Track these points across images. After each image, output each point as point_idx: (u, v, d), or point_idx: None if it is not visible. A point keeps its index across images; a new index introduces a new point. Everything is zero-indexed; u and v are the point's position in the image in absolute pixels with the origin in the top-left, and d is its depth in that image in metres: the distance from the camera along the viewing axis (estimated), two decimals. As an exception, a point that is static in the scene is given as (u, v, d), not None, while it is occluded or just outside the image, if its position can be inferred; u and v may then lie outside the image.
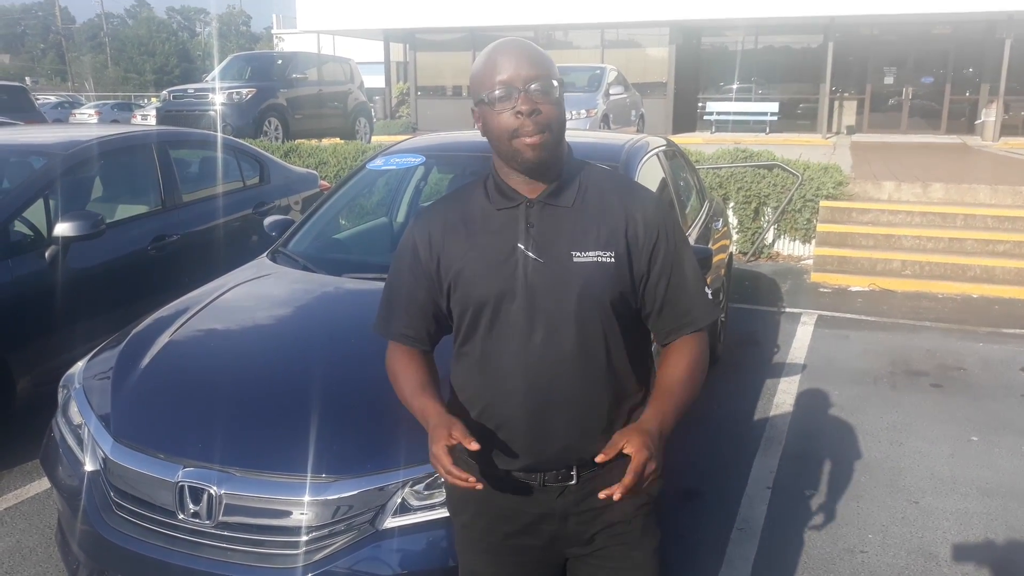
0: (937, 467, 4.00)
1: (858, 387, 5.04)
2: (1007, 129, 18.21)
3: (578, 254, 1.57)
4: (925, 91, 20.58)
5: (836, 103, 20.91)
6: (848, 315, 6.78)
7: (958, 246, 8.11)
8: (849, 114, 21.22)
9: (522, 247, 1.58)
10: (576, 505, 1.65)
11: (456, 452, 1.56)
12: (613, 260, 1.58)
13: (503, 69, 1.52)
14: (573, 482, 1.64)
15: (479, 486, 1.50)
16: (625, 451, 1.45)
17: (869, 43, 20.45)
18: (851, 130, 20.67)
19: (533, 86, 1.51)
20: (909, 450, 4.18)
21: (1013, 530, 3.44)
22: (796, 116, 20.87)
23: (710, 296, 1.69)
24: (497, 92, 1.52)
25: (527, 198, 1.61)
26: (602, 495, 1.44)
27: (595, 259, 1.57)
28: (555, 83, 1.55)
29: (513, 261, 1.58)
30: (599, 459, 1.49)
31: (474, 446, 1.48)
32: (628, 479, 1.43)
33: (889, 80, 20.76)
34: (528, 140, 1.52)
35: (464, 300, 1.62)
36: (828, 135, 19.20)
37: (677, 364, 1.65)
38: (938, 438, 4.33)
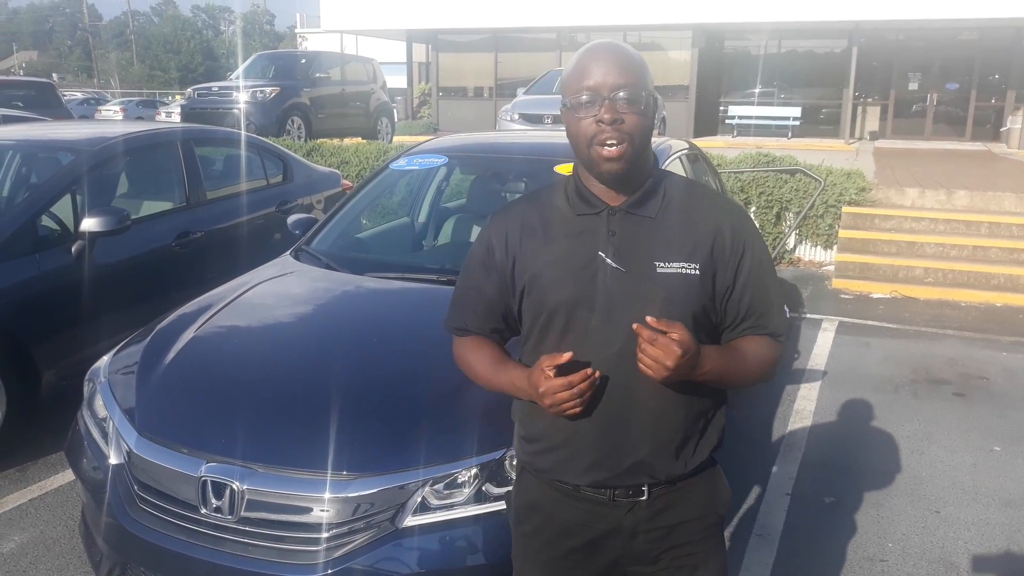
0: (959, 477, 3.96)
1: (879, 395, 5.01)
2: (1033, 136, 17.98)
3: (661, 265, 1.54)
4: (950, 97, 20.37)
5: (859, 108, 20.74)
6: (870, 322, 6.73)
7: (982, 254, 8.03)
8: (872, 120, 21.04)
9: (603, 255, 1.55)
10: (646, 523, 1.62)
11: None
12: (697, 272, 1.55)
13: (592, 75, 1.49)
14: (644, 498, 1.60)
15: (596, 373, 1.48)
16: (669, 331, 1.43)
17: (894, 48, 20.28)
18: (874, 136, 20.50)
19: (620, 94, 1.48)
20: (930, 459, 4.15)
21: (1035, 542, 3.41)
22: (819, 121, 20.71)
23: (788, 314, 1.67)
24: (583, 98, 1.49)
25: (609, 205, 1.58)
26: (634, 326, 1.43)
27: (679, 270, 1.54)
28: (644, 93, 1.51)
29: (592, 268, 1.55)
30: (634, 326, 1.44)
31: (567, 356, 1.47)
32: (645, 331, 1.42)
33: (914, 86, 20.56)
34: (606, 151, 1.49)
35: (538, 305, 1.60)
36: (851, 140, 19.05)
37: (750, 343, 1.62)
38: (960, 447, 4.29)
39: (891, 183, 9.53)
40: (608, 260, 1.55)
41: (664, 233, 1.57)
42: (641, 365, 1.45)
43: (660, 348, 1.42)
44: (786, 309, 1.67)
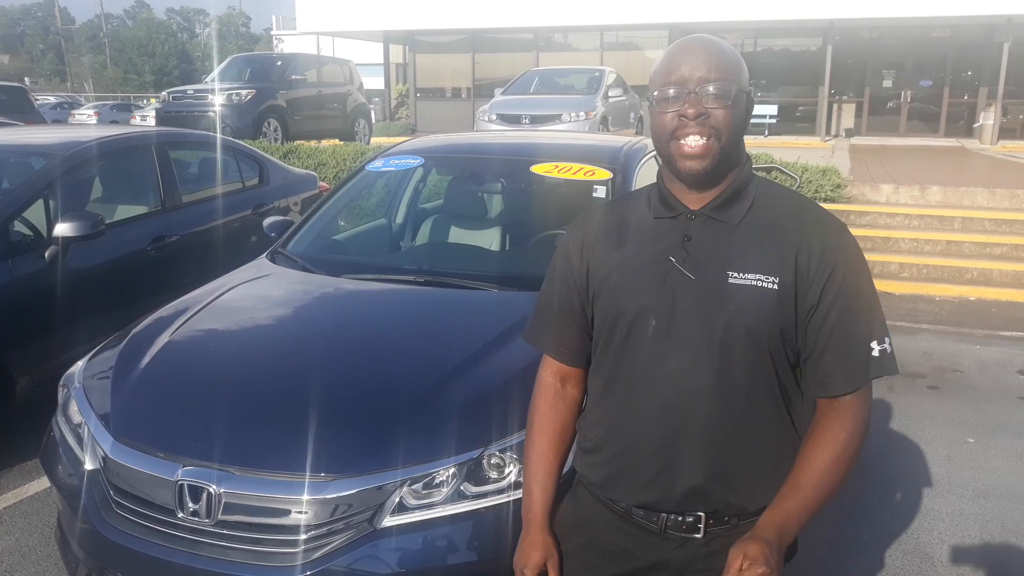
0: (933, 468, 4.02)
1: (855, 389, 5.05)
2: (1005, 132, 18.25)
3: (735, 275, 1.40)
4: (924, 94, 20.63)
5: (835, 106, 20.94)
6: (846, 317, 6.79)
7: (955, 249, 8.14)
8: (848, 117, 21.25)
9: (673, 260, 1.44)
10: (698, 562, 1.49)
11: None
12: (776, 287, 1.39)
13: (679, 68, 1.39)
14: (699, 535, 1.47)
15: None
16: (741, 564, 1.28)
17: (868, 46, 20.50)
18: (850, 133, 20.71)
19: (709, 88, 1.37)
20: (905, 451, 4.20)
21: (1008, 531, 3.46)
22: (795, 119, 20.91)
23: (877, 352, 1.42)
24: (670, 91, 1.40)
25: (689, 209, 1.46)
26: None
27: (754, 283, 1.39)
28: (736, 88, 1.39)
29: (661, 275, 1.44)
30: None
31: None
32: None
33: (888, 83, 20.81)
34: (687, 146, 1.39)
35: (605, 310, 1.50)
36: (827, 138, 19.24)
37: (821, 445, 1.41)
38: (934, 439, 4.35)
39: (866, 179, 9.64)
40: (679, 266, 1.43)
41: (744, 241, 1.43)
42: None
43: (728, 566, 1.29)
44: (878, 345, 1.42)
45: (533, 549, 1.56)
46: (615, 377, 1.50)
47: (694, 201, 1.46)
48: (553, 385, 1.64)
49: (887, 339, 1.44)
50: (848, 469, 1.43)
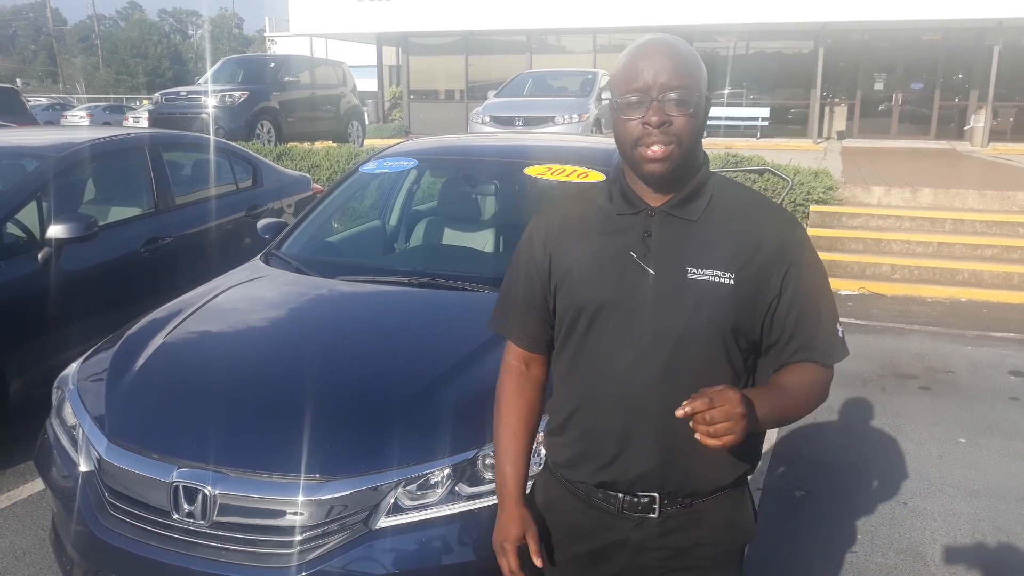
0: (925, 468, 4.04)
1: (847, 390, 5.08)
2: (996, 135, 18.34)
3: (694, 271, 1.45)
4: (915, 97, 20.70)
5: (827, 108, 21.00)
6: (838, 319, 6.82)
7: (947, 250, 8.18)
8: (839, 119, 21.32)
9: (635, 256, 1.48)
10: (654, 540, 1.56)
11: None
12: (732, 282, 1.45)
13: (641, 75, 1.41)
14: (654, 515, 1.54)
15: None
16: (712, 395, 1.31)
17: (860, 49, 20.58)
18: (841, 135, 20.77)
19: (671, 95, 1.40)
20: (898, 452, 4.22)
21: (1000, 530, 3.48)
22: (787, 121, 20.95)
23: (841, 335, 1.54)
24: (632, 99, 1.42)
25: (650, 206, 1.51)
26: (678, 412, 1.30)
27: (712, 278, 1.44)
28: (697, 94, 1.43)
29: (623, 269, 1.49)
30: (678, 412, 1.30)
31: (538, 563, 1.54)
32: (695, 401, 1.29)
33: (879, 86, 20.88)
34: (651, 152, 1.42)
35: (567, 301, 1.55)
36: (819, 140, 19.29)
37: (790, 375, 1.51)
38: (926, 440, 4.37)
39: (858, 182, 9.68)
40: (639, 262, 1.48)
41: (703, 238, 1.48)
42: (714, 439, 1.29)
43: (723, 402, 1.30)
44: (839, 329, 1.53)
45: (511, 523, 1.60)
46: (576, 365, 1.56)
47: (655, 198, 1.51)
48: (518, 367, 1.70)
49: (840, 324, 1.56)
50: (811, 403, 1.53)
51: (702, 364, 1.47)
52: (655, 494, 1.53)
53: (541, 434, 1.73)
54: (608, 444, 1.53)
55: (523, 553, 1.59)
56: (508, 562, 1.57)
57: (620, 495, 1.55)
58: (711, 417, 1.29)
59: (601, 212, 1.57)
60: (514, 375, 1.70)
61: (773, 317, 1.49)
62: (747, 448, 1.52)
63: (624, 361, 1.49)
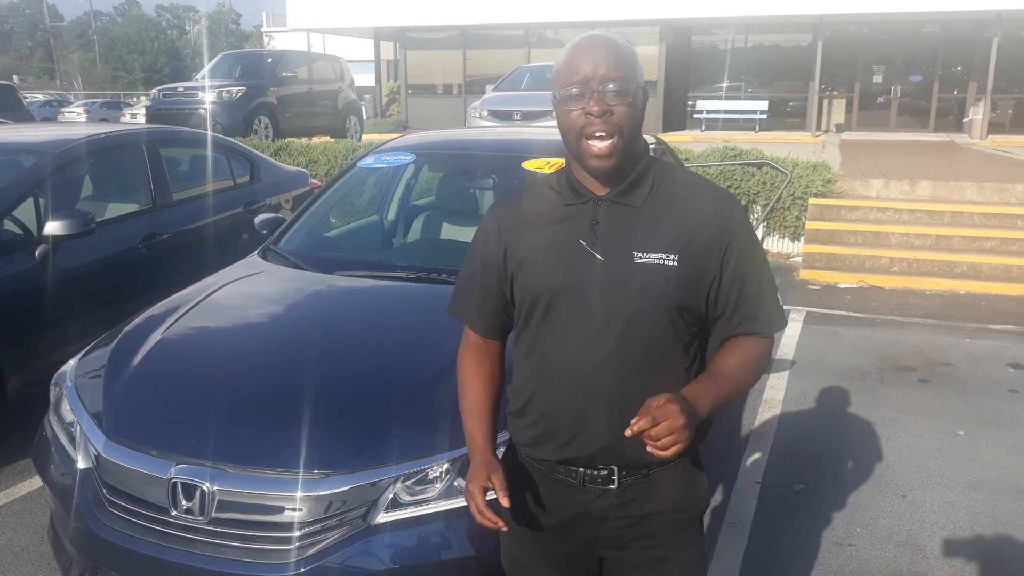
0: (924, 461, 4.04)
1: (846, 383, 5.08)
2: (994, 127, 18.33)
3: (640, 255, 1.54)
4: (913, 89, 20.68)
5: (825, 101, 21.00)
6: (837, 312, 6.83)
7: (945, 243, 8.18)
8: (838, 112, 21.30)
9: (584, 243, 1.57)
10: (615, 510, 1.65)
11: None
12: (676, 264, 1.53)
13: (581, 67, 1.49)
14: (613, 487, 1.63)
15: (504, 528, 1.60)
16: (654, 407, 1.40)
17: (858, 41, 20.54)
18: (840, 128, 20.76)
19: (610, 86, 1.48)
20: (897, 444, 4.22)
21: (998, 523, 3.48)
22: (785, 114, 20.94)
23: (780, 304, 1.66)
24: (573, 90, 1.50)
25: (596, 195, 1.59)
26: (627, 432, 1.39)
27: (656, 261, 1.53)
28: (634, 85, 1.51)
29: (573, 256, 1.57)
30: (627, 432, 1.40)
31: (505, 503, 1.55)
32: (639, 421, 1.38)
33: (878, 78, 20.86)
34: (595, 146, 1.50)
35: (523, 290, 1.64)
36: (817, 133, 19.28)
37: (732, 353, 1.61)
38: (925, 433, 4.37)
39: (856, 174, 9.66)
40: (589, 249, 1.57)
41: (647, 223, 1.57)
42: (662, 451, 1.38)
43: (664, 417, 1.38)
44: (779, 299, 1.65)
45: (479, 468, 1.65)
46: (534, 350, 1.65)
47: (600, 188, 1.60)
48: (476, 342, 1.81)
49: (779, 295, 1.67)
50: (753, 377, 1.64)
51: (652, 343, 1.56)
52: (613, 467, 1.62)
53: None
54: (567, 423, 1.61)
55: (495, 506, 1.63)
56: (476, 503, 1.60)
57: (581, 469, 1.64)
58: (656, 433, 1.38)
59: (551, 203, 1.65)
60: (473, 349, 1.81)
61: (717, 292, 1.59)
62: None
63: (578, 343, 1.57)
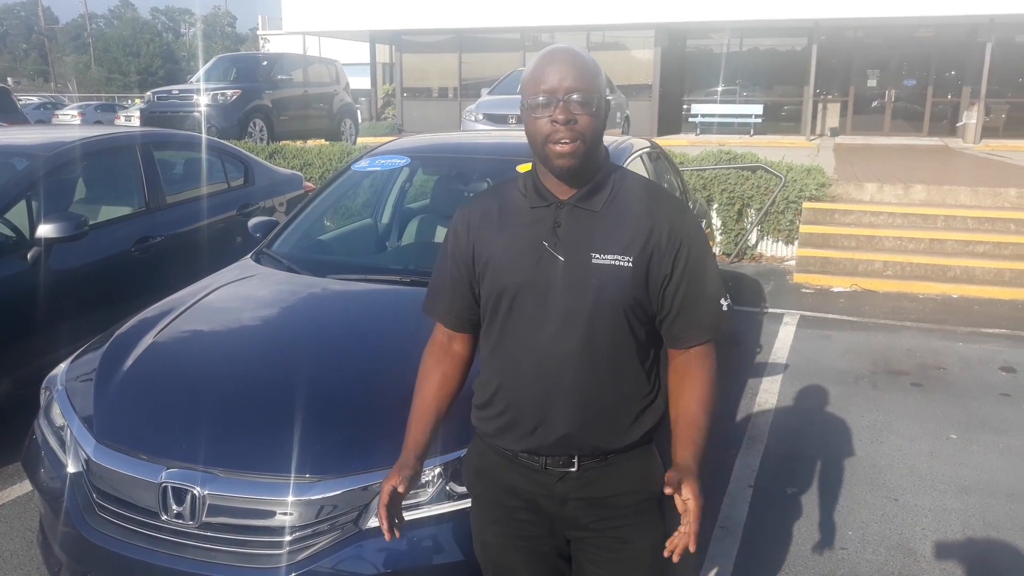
0: (916, 465, 4.05)
1: (840, 386, 5.09)
2: (988, 131, 18.40)
3: (597, 256, 1.64)
4: (907, 93, 20.76)
5: (820, 105, 21.05)
6: (830, 315, 6.84)
7: (938, 247, 8.19)
8: (833, 116, 21.37)
9: (547, 245, 1.66)
10: (576, 492, 1.74)
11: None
12: (630, 265, 1.64)
13: (548, 78, 1.59)
14: (574, 469, 1.72)
15: (388, 539, 1.71)
16: (682, 493, 1.53)
17: (853, 46, 20.60)
18: (834, 132, 20.82)
19: (574, 97, 1.58)
20: (889, 448, 4.23)
21: (990, 526, 3.49)
22: (780, 118, 20.99)
23: (725, 308, 1.75)
24: (540, 99, 1.59)
25: (559, 199, 1.69)
26: (666, 553, 1.57)
27: (612, 262, 1.64)
28: (597, 96, 1.60)
29: (537, 256, 1.67)
30: (667, 491, 1.54)
31: (387, 536, 1.71)
32: (694, 527, 1.52)
33: (872, 83, 20.93)
34: (559, 148, 1.59)
35: (490, 286, 1.72)
36: (812, 137, 19.32)
37: (695, 389, 1.72)
38: (917, 436, 4.38)
39: (850, 178, 9.68)
40: (551, 250, 1.66)
41: (605, 227, 1.67)
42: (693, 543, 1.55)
43: (699, 521, 1.54)
44: (723, 303, 1.74)
45: (398, 469, 1.75)
46: (500, 344, 1.74)
47: (563, 192, 1.69)
48: (441, 342, 1.90)
49: (726, 297, 1.76)
50: (716, 399, 1.74)
51: (609, 337, 1.66)
52: (573, 453, 1.72)
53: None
54: (530, 414, 1.70)
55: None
56: (380, 500, 1.71)
57: (543, 456, 1.73)
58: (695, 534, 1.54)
59: (517, 205, 1.74)
60: (436, 349, 1.90)
61: (663, 294, 1.68)
62: (654, 408, 1.76)
63: (541, 338, 1.67)
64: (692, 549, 1.53)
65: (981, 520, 3.54)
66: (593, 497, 1.74)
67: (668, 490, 1.53)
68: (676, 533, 1.55)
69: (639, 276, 1.65)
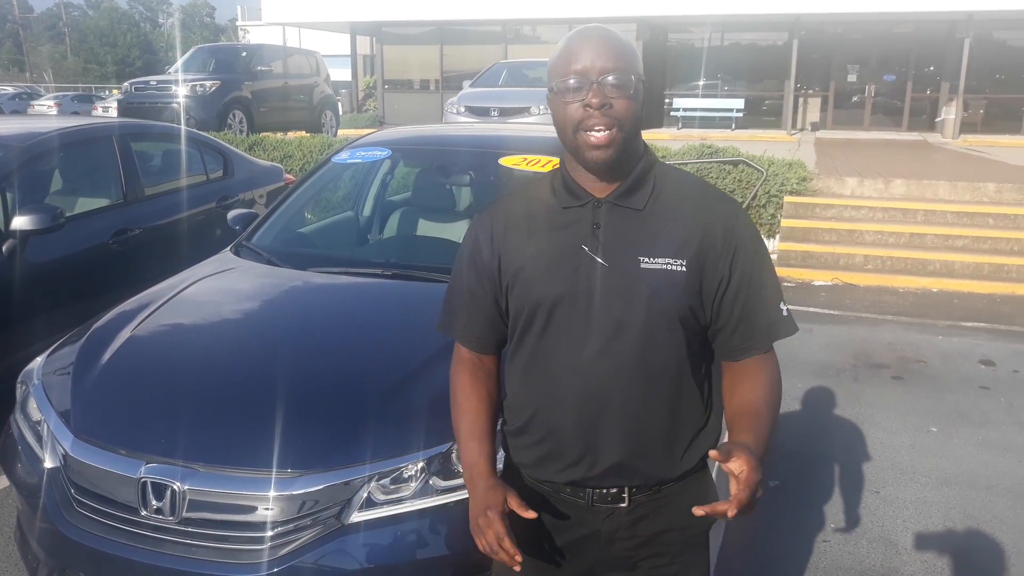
0: (898, 457, 4.07)
1: (821, 380, 5.12)
2: (966, 127, 18.55)
3: (646, 260, 1.46)
4: (887, 89, 20.89)
5: (801, 100, 21.14)
6: (811, 309, 6.88)
7: (918, 241, 8.26)
8: (813, 111, 21.46)
9: (587, 249, 1.49)
10: (625, 530, 1.56)
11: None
12: (684, 269, 1.46)
13: (579, 58, 1.43)
14: (624, 505, 1.55)
15: (517, 568, 1.43)
16: (734, 467, 1.30)
17: (833, 41, 20.71)
18: (815, 127, 20.92)
19: (609, 78, 1.41)
20: (870, 441, 4.26)
21: (970, 518, 3.52)
22: (761, 112, 21.06)
23: (785, 314, 1.55)
24: (571, 82, 1.43)
25: (595, 197, 1.51)
26: (699, 511, 1.31)
27: (664, 267, 1.46)
28: (634, 77, 1.43)
29: (575, 263, 1.49)
30: (712, 455, 1.33)
31: (530, 515, 1.43)
32: (743, 493, 1.28)
33: (852, 78, 21.04)
34: (593, 136, 1.42)
35: (521, 300, 1.54)
36: (793, 131, 19.41)
37: (758, 385, 1.52)
38: (898, 429, 4.41)
39: (831, 173, 9.74)
40: (591, 254, 1.48)
41: (651, 227, 1.49)
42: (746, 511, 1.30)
43: (752, 490, 1.29)
44: (783, 308, 1.54)
45: (490, 491, 1.50)
46: (535, 363, 1.55)
47: (599, 189, 1.51)
48: (471, 358, 1.68)
49: (784, 301, 1.57)
50: (779, 404, 1.54)
51: (661, 352, 1.48)
52: (624, 485, 1.54)
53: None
54: (575, 441, 1.52)
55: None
56: (495, 530, 1.43)
57: (589, 489, 1.55)
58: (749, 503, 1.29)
59: (546, 206, 1.56)
60: (468, 366, 1.68)
61: (721, 302, 1.51)
62: (709, 430, 1.58)
63: (585, 356, 1.48)
64: (731, 514, 1.28)
65: (961, 512, 3.57)
66: (643, 535, 1.56)
67: (713, 454, 1.32)
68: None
69: (693, 282, 1.47)
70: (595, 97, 1.41)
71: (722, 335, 1.54)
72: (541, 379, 1.54)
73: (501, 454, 1.72)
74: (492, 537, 1.44)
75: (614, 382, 1.48)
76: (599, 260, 1.48)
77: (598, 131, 1.42)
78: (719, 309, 1.51)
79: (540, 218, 1.55)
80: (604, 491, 1.54)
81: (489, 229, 1.60)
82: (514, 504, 1.45)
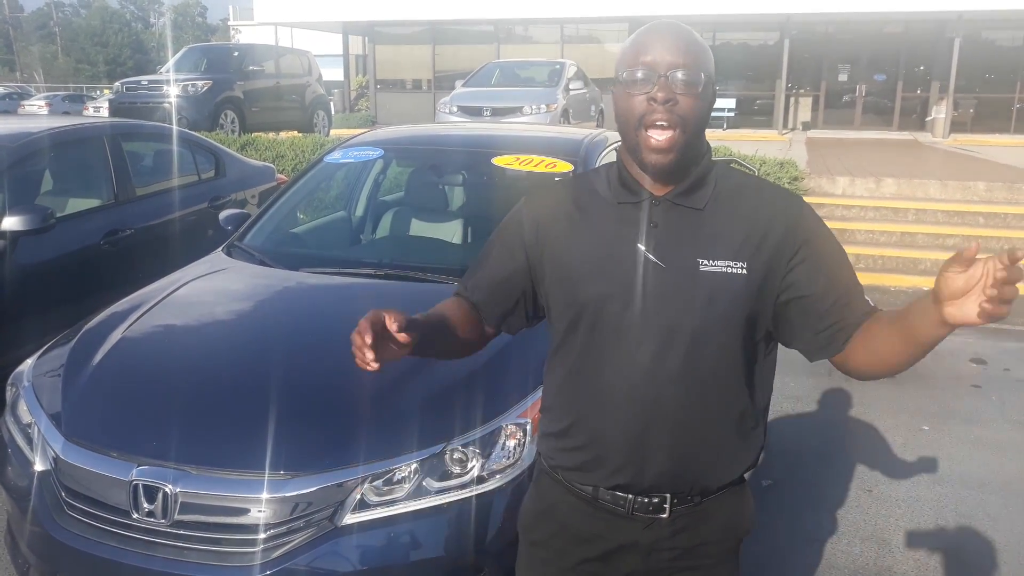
0: (890, 456, 4.09)
1: (813, 378, 5.13)
2: (956, 126, 18.65)
3: (705, 262, 1.39)
4: (878, 88, 20.98)
5: (792, 100, 21.21)
6: (804, 308, 6.88)
7: (910, 240, 8.29)
8: (804, 110, 21.54)
9: (642, 248, 1.42)
10: (665, 541, 1.51)
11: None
12: (744, 272, 1.39)
13: (650, 51, 1.37)
14: (664, 515, 1.49)
15: (373, 366, 1.34)
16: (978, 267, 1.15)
17: (824, 41, 20.79)
18: (806, 126, 21.00)
19: (679, 74, 1.35)
20: (862, 440, 4.27)
21: (962, 516, 3.53)
22: (753, 112, 21.14)
23: (872, 304, 1.44)
24: (639, 73, 1.37)
25: (652, 194, 1.44)
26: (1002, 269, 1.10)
27: (724, 269, 1.39)
28: (704, 76, 1.38)
29: (629, 262, 1.42)
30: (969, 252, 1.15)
31: (393, 328, 1.36)
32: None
33: (843, 77, 21.13)
34: (654, 139, 1.36)
35: (567, 298, 1.48)
36: (784, 131, 19.47)
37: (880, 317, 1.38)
38: (890, 428, 4.43)
39: (823, 172, 9.77)
40: (648, 254, 1.42)
41: (711, 228, 1.42)
42: (1003, 306, 1.10)
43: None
44: (868, 300, 1.44)
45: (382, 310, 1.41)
46: (582, 364, 1.48)
47: (657, 187, 1.45)
48: (467, 304, 1.64)
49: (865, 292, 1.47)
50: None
51: (718, 358, 1.42)
52: (667, 494, 1.49)
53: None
54: (621, 447, 1.46)
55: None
56: (361, 325, 1.38)
57: (630, 496, 1.49)
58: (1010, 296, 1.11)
59: (600, 200, 1.50)
60: (461, 301, 1.64)
61: (800, 301, 1.41)
62: (753, 441, 1.52)
63: (637, 360, 1.42)
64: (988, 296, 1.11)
65: (953, 510, 3.58)
66: (681, 547, 1.51)
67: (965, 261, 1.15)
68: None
69: (754, 286, 1.39)
70: (661, 91, 1.35)
71: (819, 340, 1.43)
72: (586, 383, 1.48)
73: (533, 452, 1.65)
74: (362, 325, 1.36)
75: (665, 387, 1.42)
76: (656, 260, 1.41)
77: (660, 129, 1.36)
78: (802, 308, 1.42)
79: (593, 212, 1.50)
80: (646, 500, 1.49)
81: (535, 214, 1.55)
82: (387, 315, 1.38)
